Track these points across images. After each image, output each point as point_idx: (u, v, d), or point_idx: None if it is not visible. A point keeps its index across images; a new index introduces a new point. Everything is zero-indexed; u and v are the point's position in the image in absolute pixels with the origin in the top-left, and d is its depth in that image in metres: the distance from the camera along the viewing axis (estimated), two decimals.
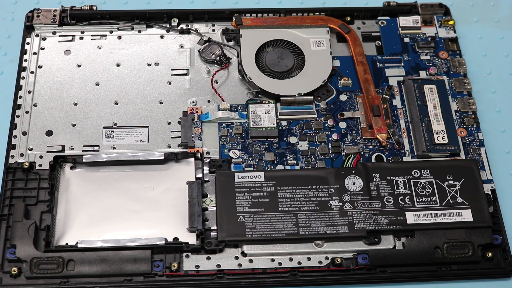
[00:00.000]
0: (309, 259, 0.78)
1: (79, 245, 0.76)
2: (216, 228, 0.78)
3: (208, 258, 0.77)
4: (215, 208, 0.79)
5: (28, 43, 0.91)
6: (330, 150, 0.85)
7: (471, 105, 0.89)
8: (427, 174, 0.81)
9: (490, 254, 0.78)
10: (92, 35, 0.92)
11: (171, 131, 0.85)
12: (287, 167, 0.83)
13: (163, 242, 0.76)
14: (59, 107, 0.87)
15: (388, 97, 0.89)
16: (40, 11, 0.93)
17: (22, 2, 0.98)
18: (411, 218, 0.78)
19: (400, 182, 0.81)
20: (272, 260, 0.77)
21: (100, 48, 0.92)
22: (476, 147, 0.86)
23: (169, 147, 0.84)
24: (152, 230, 0.78)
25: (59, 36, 0.92)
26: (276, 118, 0.87)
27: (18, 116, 0.85)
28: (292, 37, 0.92)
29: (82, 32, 0.92)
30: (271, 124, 0.86)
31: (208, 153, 0.84)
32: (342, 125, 0.87)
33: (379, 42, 0.95)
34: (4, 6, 0.98)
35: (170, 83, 0.89)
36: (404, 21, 0.96)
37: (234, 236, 0.77)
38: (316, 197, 0.79)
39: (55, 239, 0.77)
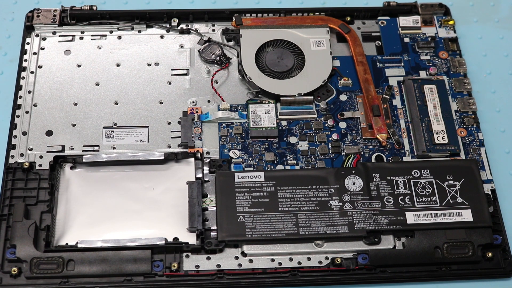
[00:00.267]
0: (309, 259, 0.78)
1: (79, 245, 0.76)
2: (216, 228, 0.78)
3: (208, 258, 0.77)
4: (215, 208, 0.79)
5: (28, 43, 0.91)
6: (330, 150, 0.85)
7: (471, 105, 0.89)
8: (427, 174, 0.81)
9: (490, 254, 0.78)
10: (92, 35, 0.92)
11: (171, 131, 0.85)
12: (287, 167, 0.83)
13: (163, 242, 0.76)
14: (59, 107, 0.87)
15: (388, 97, 0.89)
16: (40, 11, 0.93)
17: (22, 2, 0.98)
18: (411, 218, 0.78)
19: (400, 182, 0.81)
20: (272, 260, 0.77)
21: (100, 48, 0.92)
22: (476, 147, 0.86)
23: (169, 147, 0.84)
24: (152, 230, 0.78)
25: (59, 36, 0.92)
26: (276, 118, 0.87)
27: (18, 116, 0.85)
28: (292, 37, 0.92)
29: (82, 32, 0.92)
30: (271, 124, 0.86)
31: (208, 153, 0.84)
32: (342, 125, 0.87)
33: (379, 42, 0.95)
34: (4, 6, 0.98)
35: (170, 83, 0.89)
36: (404, 21, 0.96)
37: (234, 236, 0.77)
38: (316, 197, 0.79)
39: (55, 239, 0.77)
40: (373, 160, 0.84)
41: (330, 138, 0.86)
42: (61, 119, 0.86)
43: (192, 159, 0.83)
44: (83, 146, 0.84)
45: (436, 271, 0.77)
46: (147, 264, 0.76)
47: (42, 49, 0.91)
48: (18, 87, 0.87)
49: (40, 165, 0.82)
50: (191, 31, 0.94)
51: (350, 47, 0.93)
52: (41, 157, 0.82)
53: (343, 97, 0.89)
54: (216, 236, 0.77)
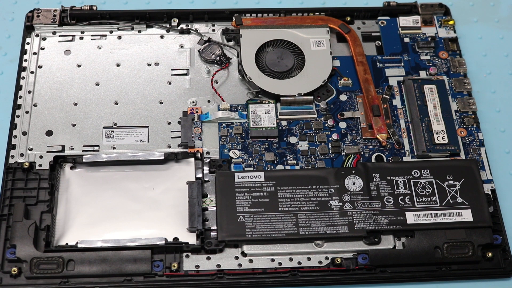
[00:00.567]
0: (309, 259, 0.78)
1: (79, 245, 0.76)
2: (216, 228, 0.78)
3: (208, 258, 0.77)
4: (215, 208, 0.79)
5: (28, 43, 0.91)
6: (330, 150, 0.85)
7: (471, 105, 0.89)
8: (427, 174, 0.81)
9: (490, 254, 0.78)
10: (92, 35, 0.92)
11: (171, 131, 0.85)
12: (287, 167, 0.83)
13: (163, 242, 0.76)
14: (59, 107, 0.87)
15: (388, 97, 0.89)
16: (40, 11, 0.93)
17: (22, 2, 0.98)
18: (411, 218, 0.78)
19: (400, 182, 0.81)
20: (272, 260, 0.77)
21: (100, 48, 0.92)
22: (476, 147, 0.86)
23: (169, 147, 0.84)
24: (152, 230, 0.78)
25: (59, 36, 0.92)
26: (276, 118, 0.87)
27: (18, 116, 0.85)
28: (292, 37, 0.92)
29: (82, 32, 0.92)
30: (271, 124, 0.86)
31: (208, 153, 0.84)
32: (342, 125, 0.87)
33: (379, 42, 0.95)
34: (4, 6, 0.98)
35: (170, 83, 0.89)
36: (404, 21, 0.96)
37: (234, 236, 0.77)
38: (316, 197, 0.79)
39: (55, 239, 0.77)
40: (373, 160, 0.84)
41: (330, 138, 0.86)
42: (61, 119, 0.86)
43: (192, 159, 0.83)
44: (83, 146, 0.84)
45: (436, 271, 0.77)
46: (147, 264, 0.76)
47: (42, 49, 0.91)
48: (18, 87, 0.87)
49: (40, 165, 0.82)
50: (191, 31, 0.94)
51: (350, 47, 0.93)
52: (41, 157, 0.82)
53: (343, 97, 0.89)
54: (216, 236, 0.77)
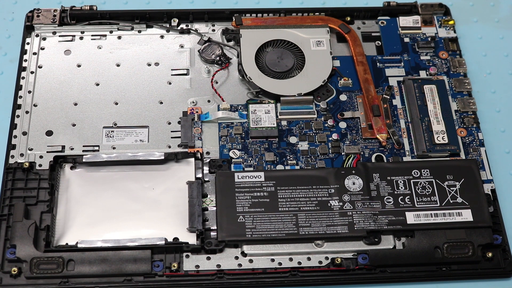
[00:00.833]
0: (309, 259, 0.78)
1: (79, 245, 0.76)
2: (216, 228, 0.78)
3: (208, 258, 0.77)
4: (215, 208, 0.79)
5: (28, 43, 0.91)
6: (330, 150, 0.85)
7: (471, 105, 0.89)
8: (427, 174, 0.81)
9: (490, 254, 0.78)
10: (92, 35, 0.92)
11: (171, 131, 0.85)
12: (287, 167, 0.83)
13: (163, 242, 0.76)
14: (59, 107, 0.87)
15: (388, 97, 0.89)
16: (40, 11, 0.93)
17: (22, 2, 0.98)
18: (411, 218, 0.78)
19: (400, 182, 0.81)
20: (272, 260, 0.77)
21: (100, 48, 0.92)
22: (476, 147, 0.86)
23: (169, 147, 0.84)
24: (152, 230, 0.78)
25: (59, 36, 0.92)
26: (276, 118, 0.87)
27: (18, 116, 0.85)
28: (292, 37, 0.92)
29: (82, 32, 0.92)
30: (271, 124, 0.86)
31: (208, 153, 0.84)
32: (342, 125, 0.87)
33: (379, 42, 0.95)
34: (4, 6, 0.98)
35: (170, 83, 0.89)
36: (404, 21, 0.96)
37: (234, 236, 0.77)
38: (316, 197, 0.79)
39: (55, 239, 0.77)
40: (373, 160, 0.84)
41: (330, 138, 0.86)
42: (61, 119, 0.86)
43: (192, 159, 0.83)
44: (83, 146, 0.84)
45: (436, 271, 0.77)
46: (147, 264, 0.76)
47: (42, 49, 0.91)
48: (18, 87, 0.87)
49: (40, 165, 0.82)
50: (191, 31, 0.94)
51: (350, 47, 0.93)
52: (41, 157, 0.82)
53: (343, 97, 0.89)
54: (216, 236, 0.77)
